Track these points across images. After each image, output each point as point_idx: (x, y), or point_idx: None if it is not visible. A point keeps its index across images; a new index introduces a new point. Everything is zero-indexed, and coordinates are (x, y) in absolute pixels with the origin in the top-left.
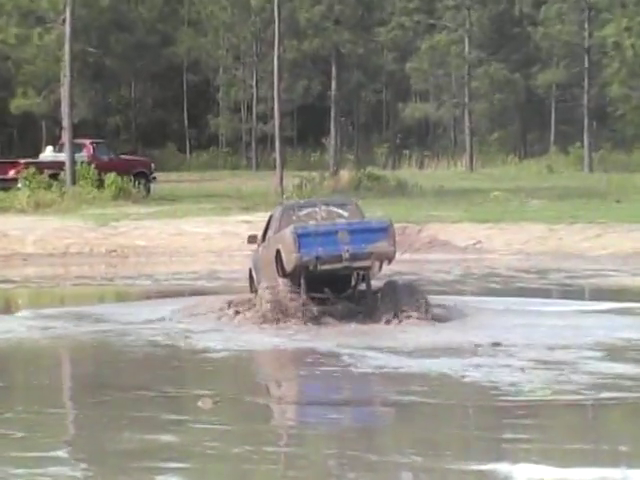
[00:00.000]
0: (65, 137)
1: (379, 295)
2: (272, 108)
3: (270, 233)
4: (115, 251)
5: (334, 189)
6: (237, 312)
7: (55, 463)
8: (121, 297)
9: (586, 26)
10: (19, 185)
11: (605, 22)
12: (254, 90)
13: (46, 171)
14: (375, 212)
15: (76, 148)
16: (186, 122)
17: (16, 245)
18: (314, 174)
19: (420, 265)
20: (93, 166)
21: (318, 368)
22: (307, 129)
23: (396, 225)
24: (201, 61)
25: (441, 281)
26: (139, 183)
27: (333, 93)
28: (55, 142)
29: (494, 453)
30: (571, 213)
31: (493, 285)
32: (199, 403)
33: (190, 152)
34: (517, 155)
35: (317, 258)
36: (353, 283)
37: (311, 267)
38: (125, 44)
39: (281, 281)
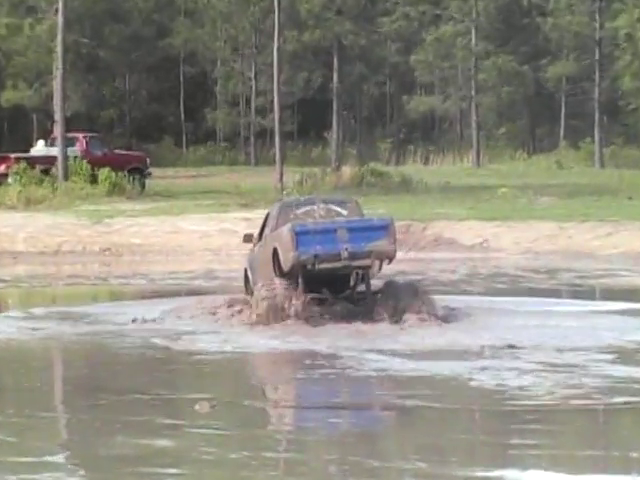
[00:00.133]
0: (57, 131)
1: (379, 296)
2: (272, 101)
3: (267, 231)
4: (109, 249)
5: (336, 185)
6: (233, 313)
7: (48, 469)
8: (115, 297)
9: (597, 17)
10: (9, 180)
11: (617, 13)
12: (253, 83)
13: (37, 166)
14: (378, 209)
15: (68, 142)
16: (182, 116)
17: (6, 243)
18: (315, 170)
19: (425, 264)
20: (86, 161)
21: (317, 370)
22: (308, 123)
23: (400, 223)
24: (198, 53)
25: (446, 281)
26: (134, 179)
27: (335, 86)
28: (47, 136)
29: (501, 459)
30: (581, 211)
31: (500, 285)
32: (196, 407)
33: (187, 147)
34: (526, 150)
35: (315, 257)
36: (352, 283)
37: (309, 266)
38: (120, 35)
39: (278, 281)
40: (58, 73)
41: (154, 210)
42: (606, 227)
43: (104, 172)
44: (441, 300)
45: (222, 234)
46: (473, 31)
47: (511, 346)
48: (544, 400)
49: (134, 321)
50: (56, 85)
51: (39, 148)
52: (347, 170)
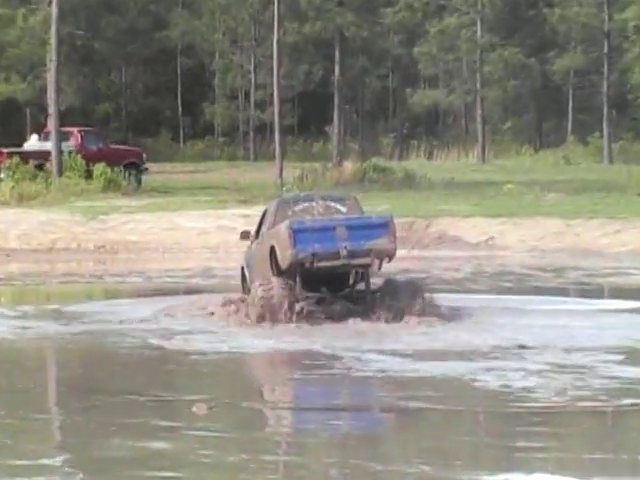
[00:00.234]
0: (51, 125)
1: (379, 294)
2: (271, 95)
3: (264, 228)
4: (104, 247)
5: (337, 181)
6: (230, 312)
7: (42, 471)
8: (110, 296)
9: (605, 8)
10: (2, 176)
11: (626, 4)
12: (252, 76)
13: (31, 161)
14: (381, 206)
15: (63, 137)
16: (180, 110)
17: None
18: (316, 165)
19: (428, 262)
20: (81, 156)
21: (317, 371)
22: (308, 117)
23: (403, 220)
24: (196, 45)
25: (451, 279)
26: (130, 174)
27: (336, 79)
28: (40, 130)
29: (507, 462)
30: (589, 207)
31: (506, 284)
32: (193, 408)
33: (184, 141)
34: (532, 145)
35: (313, 255)
36: (351, 282)
37: (307, 264)
38: (115, 26)
39: (275, 279)
40: (52, 65)
41: (150, 206)
42: (615, 224)
43: (99, 167)
44: (445, 299)
45: (220, 231)
46: (478, 22)
47: (522, 346)
48: (551, 402)
49: (121, 322)
50: (50, 78)
51: (32, 143)
52: (349, 166)
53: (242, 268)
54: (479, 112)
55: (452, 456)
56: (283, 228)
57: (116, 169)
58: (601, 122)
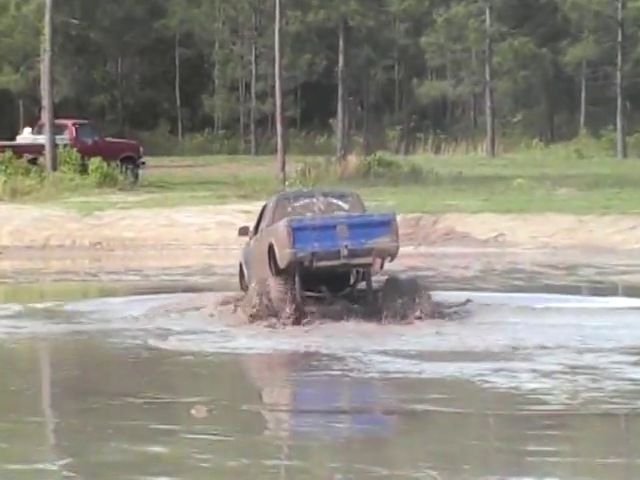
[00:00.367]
0: (45, 117)
1: (380, 294)
2: (273, 86)
3: (263, 225)
4: (100, 243)
5: (341, 176)
6: (227, 312)
7: (37, 476)
8: (106, 294)
9: None
10: None
11: None
12: (253, 66)
13: (24, 155)
14: (386, 201)
15: (57, 130)
16: (178, 101)
17: None
18: (319, 159)
19: (436, 259)
20: (76, 150)
21: (318, 373)
22: (312, 109)
23: (410, 215)
24: (195, 35)
25: (459, 277)
26: (126, 168)
27: (340, 70)
28: (34, 123)
29: (517, 467)
30: (602, 203)
31: (516, 282)
32: (192, 411)
33: (182, 134)
34: (543, 139)
35: (313, 254)
36: (352, 281)
37: (306, 263)
38: (111, 15)
39: (273, 278)
40: (46, 56)
41: (148, 202)
42: (628, 220)
43: (95, 162)
44: (451, 297)
45: (220, 227)
46: (487, 11)
47: (542, 347)
48: (562, 404)
49: (117, 321)
50: (44, 69)
51: (26, 136)
52: (353, 159)
53: (240, 265)
54: (488, 104)
55: (460, 460)
56: (282, 226)
57: (112, 163)
58: (615, 114)
